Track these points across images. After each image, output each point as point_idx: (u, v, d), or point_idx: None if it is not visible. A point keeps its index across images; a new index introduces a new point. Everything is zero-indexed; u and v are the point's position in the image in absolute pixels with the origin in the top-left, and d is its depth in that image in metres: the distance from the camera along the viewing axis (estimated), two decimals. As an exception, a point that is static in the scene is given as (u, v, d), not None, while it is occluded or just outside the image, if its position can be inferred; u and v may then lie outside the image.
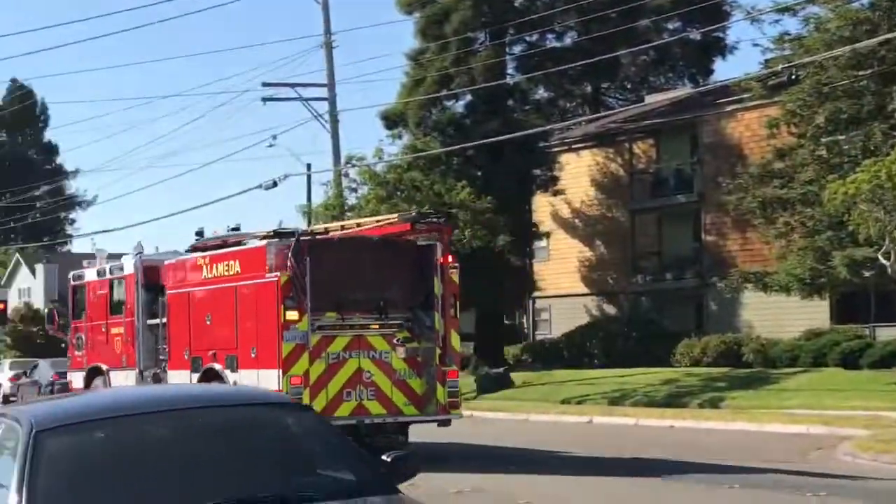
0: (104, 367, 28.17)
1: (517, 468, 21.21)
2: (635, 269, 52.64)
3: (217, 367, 22.90)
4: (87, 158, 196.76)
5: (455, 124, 49.47)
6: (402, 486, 7.57)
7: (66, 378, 36.26)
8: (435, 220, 23.58)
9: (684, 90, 53.61)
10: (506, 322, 56.15)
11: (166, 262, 26.07)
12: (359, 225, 25.65)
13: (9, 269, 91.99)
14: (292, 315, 21.02)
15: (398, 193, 44.23)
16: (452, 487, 17.69)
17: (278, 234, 22.42)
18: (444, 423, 22.55)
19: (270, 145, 56.54)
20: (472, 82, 47.78)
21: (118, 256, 29.42)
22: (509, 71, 51.90)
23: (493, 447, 25.41)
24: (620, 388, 37.92)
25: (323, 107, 49.92)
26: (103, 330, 28.25)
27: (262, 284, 21.74)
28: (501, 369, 43.14)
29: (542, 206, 54.35)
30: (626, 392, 37.23)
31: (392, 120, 49.94)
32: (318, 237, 23.48)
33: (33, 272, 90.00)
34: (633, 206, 52.81)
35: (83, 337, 29.55)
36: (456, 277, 22.72)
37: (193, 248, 26.23)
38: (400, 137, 49.31)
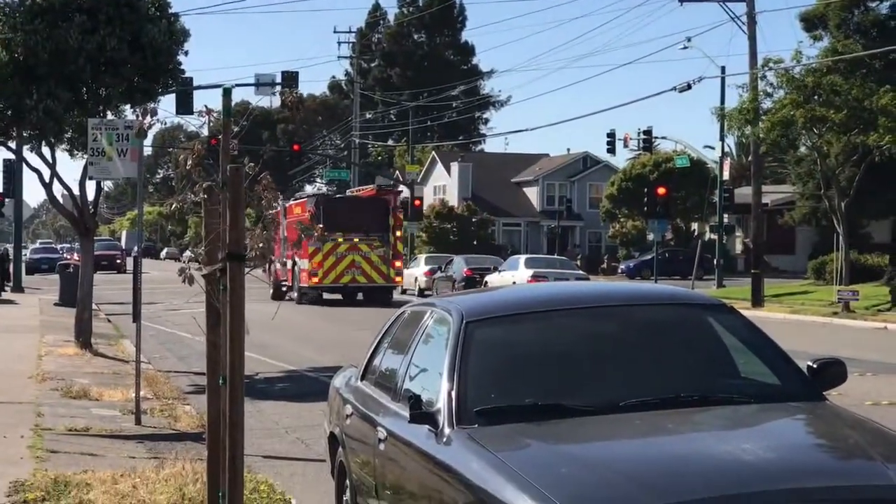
0: (273, 258, 47.50)
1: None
2: None
3: (296, 258, 44.66)
4: (502, 59, 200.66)
5: (879, 26, 47.48)
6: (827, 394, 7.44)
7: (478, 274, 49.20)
8: (388, 188, 49.01)
9: None
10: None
11: (287, 204, 47.39)
12: (357, 191, 51.30)
13: (425, 167, 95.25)
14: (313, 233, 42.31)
15: (815, 98, 42.94)
16: (867, 399, 17.23)
17: (314, 195, 47.28)
18: (391, 288, 44.55)
19: (685, 47, 55.64)
20: (899, -19, 45.74)
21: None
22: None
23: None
24: None
25: (740, 8, 49.01)
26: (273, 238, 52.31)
27: (304, 218, 41.89)
28: (919, 281, 41.46)
29: (970, 113, 51.47)
30: None
31: (812, 22, 48.49)
32: (331, 196, 48.49)
33: (448, 170, 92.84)
34: None
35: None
36: (401, 215, 45.85)
37: (296, 197, 51.06)
38: (819, 40, 47.82)
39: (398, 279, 45.04)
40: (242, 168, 5.91)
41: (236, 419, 6.15)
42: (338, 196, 49.22)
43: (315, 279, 43.22)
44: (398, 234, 44.80)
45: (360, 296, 44.41)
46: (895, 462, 6.02)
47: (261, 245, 6.16)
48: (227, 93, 6.12)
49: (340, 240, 42.90)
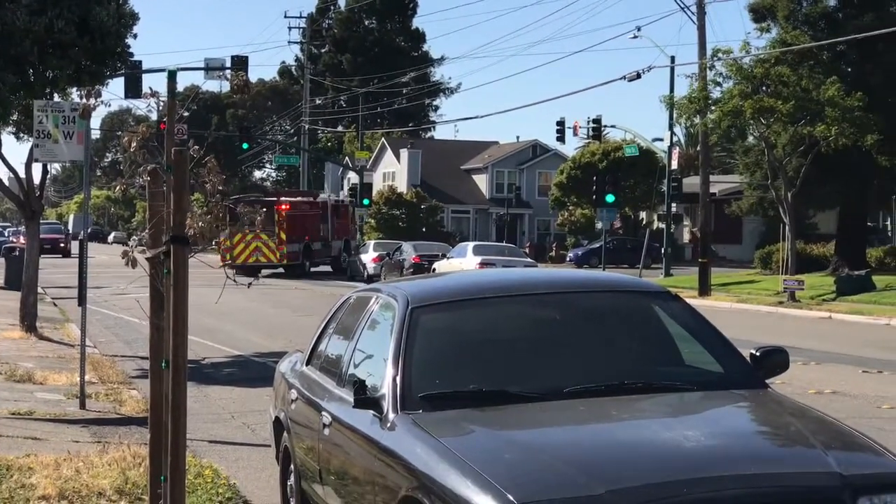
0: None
1: (877, 372, 20.59)
2: None
3: None
4: (452, 46, 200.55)
5: (826, 18, 47.70)
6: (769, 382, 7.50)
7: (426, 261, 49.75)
8: (268, 199, 63.54)
9: None
10: (869, 224, 54.42)
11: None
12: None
13: (374, 153, 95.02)
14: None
15: (763, 88, 43.17)
16: (810, 388, 17.38)
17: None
18: (278, 265, 58.81)
19: (635, 36, 55.83)
20: (847, -27, 45.96)
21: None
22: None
23: (850, 350, 24.67)
24: None
25: (690, -3, 49.11)
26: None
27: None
28: (863, 271, 41.79)
29: (916, 106, 51.86)
30: None
31: (760, 12, 48.60)
32: (241, 199, 56.87)
33: (398, 157, 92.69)
34: None
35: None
36: (283, 215, 58.89)
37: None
38: (768, 31, 47.93)
39: (283, 259, 60.11)
40: (187, 151, 5.88)
41: (179, 403, 6.12)
42: (246, 200, 65.55)
43: (227, 259, 54.35)
44: (284, 226, 59.99)
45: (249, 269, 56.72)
46: (834, 449, 6.09)
47: (200, 225, 6.11)
48: (171, 76, 6.08)
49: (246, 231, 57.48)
